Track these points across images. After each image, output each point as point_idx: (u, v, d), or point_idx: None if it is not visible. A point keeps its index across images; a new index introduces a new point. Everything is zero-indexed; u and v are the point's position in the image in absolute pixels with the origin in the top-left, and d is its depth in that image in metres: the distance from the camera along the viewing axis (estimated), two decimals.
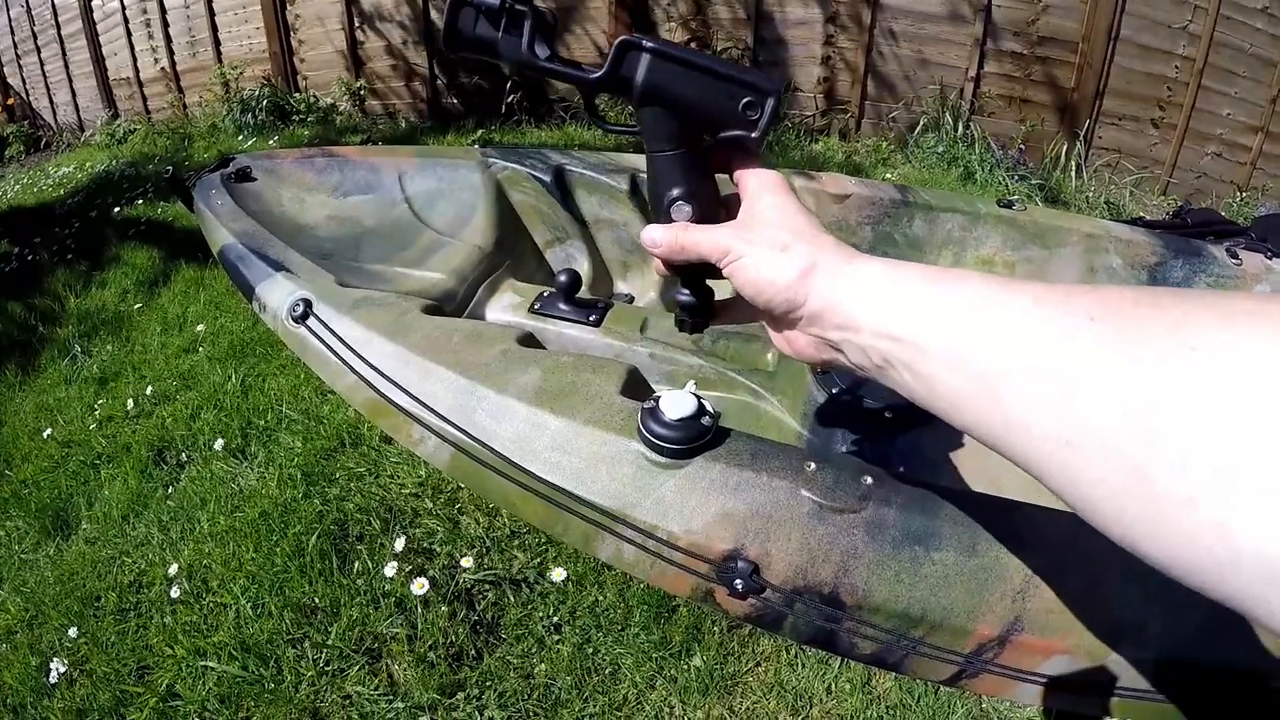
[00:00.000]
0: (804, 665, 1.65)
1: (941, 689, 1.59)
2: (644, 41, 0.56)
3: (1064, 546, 0.69)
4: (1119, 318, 0.34)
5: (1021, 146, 4.44)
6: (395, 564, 1.79)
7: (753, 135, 0.57)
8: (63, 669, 1.74)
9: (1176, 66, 4.24)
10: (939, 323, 0.42)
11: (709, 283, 0.65)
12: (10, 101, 8.24)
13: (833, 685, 1.62)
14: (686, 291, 0.65)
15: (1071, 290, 0.37)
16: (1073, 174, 4.37)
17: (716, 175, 0.63)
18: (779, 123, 4.84)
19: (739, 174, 0.60)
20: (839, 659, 1.63)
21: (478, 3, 0.58)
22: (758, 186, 0.58)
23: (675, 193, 0.59)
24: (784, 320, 0.54)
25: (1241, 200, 4.30)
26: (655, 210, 0.61)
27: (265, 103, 5.68)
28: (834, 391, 1.16)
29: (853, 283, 0.49)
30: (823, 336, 0.51)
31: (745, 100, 0.56)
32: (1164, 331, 0.31)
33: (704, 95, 0.56)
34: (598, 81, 0.58)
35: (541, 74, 0.60)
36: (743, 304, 0.59)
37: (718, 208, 0.61)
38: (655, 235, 0.59)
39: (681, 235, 0.58)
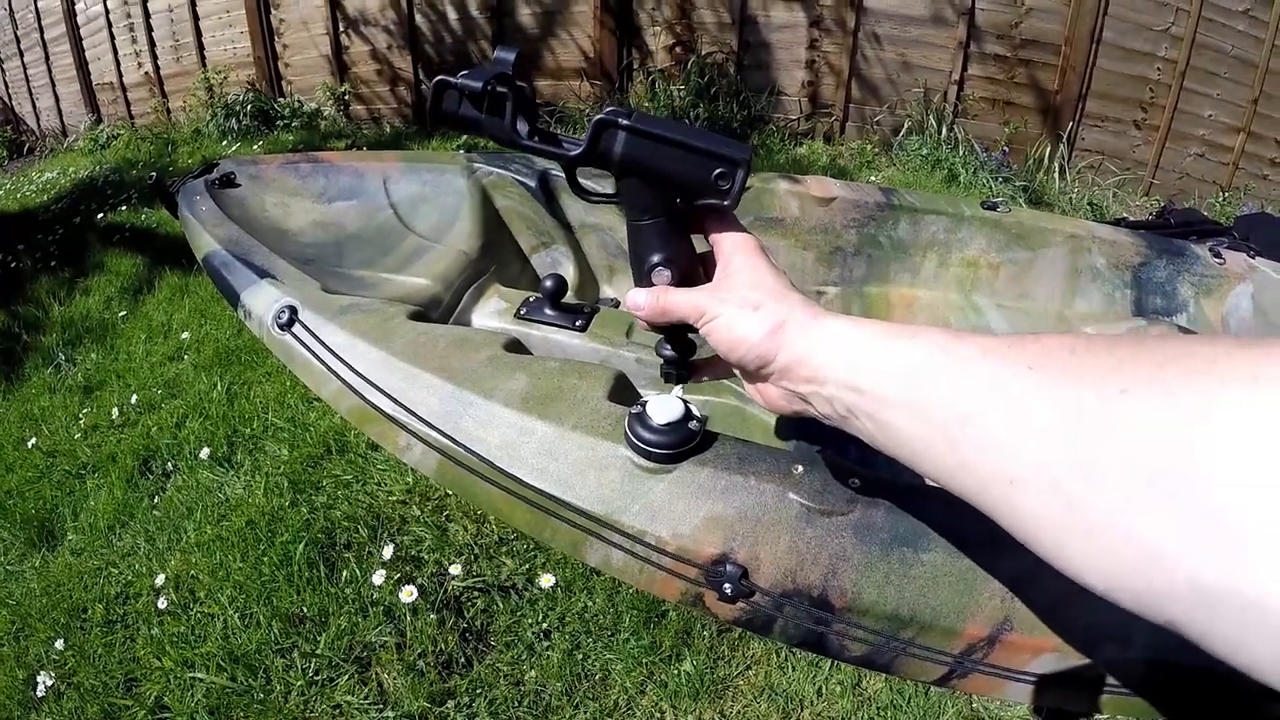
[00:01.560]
0: (794, 668, 1.65)
1: (932, 689, 1.60)
2: (620, 119, 0.59)
3: None
4: (1057, 365, 0.36)
5: (1005, 149, 4.46)
6: (383, 572, 1.78)
7: (725, 203, 0.60)
8: (50, 682, 1.72)
9: (1158, 69, 4.28)
10: (896, 375, 0.45)
11: (691, 336, 0.68)
12: None
13: (823, 687, 1.62)
14: (670, 347, 0.69)
15: (1016, 341, 0.40)
16: (1056, 176, 4.40)
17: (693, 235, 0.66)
18: (762, 125, 4.85)
19: (714, 236, 0.63)
20: (829, 661, 1.63)
21: (461, 85, 0.60)
22: (731, 248, 0.61)
23: (655, 259, 0.62)
24: (756, 374, 0.57)
25: (1224, 200, 4.34)
26: (637, 274, 0.64)
27: (249, 107, 5.66)
28: None
29: (818, 339, 0.52)
30: (792, 389, 0.55)
31: (717, 171, 0.59)
32: (1097, 376, 0.34)
33: (678, 168, 0.59)
34: (577, 158, 0.61)
35: (524, 150, 0.62)
36: (720, 359, 0.62)
37: (696, 268, 0.65)
38: (638, 300, 0.63)
39: (662, 298, 0.62)
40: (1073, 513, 0.33)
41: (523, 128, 0.61)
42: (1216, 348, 0.30)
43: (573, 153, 0.61)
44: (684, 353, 0.69)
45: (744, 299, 0.57)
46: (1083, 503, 0.32)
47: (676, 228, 0.63)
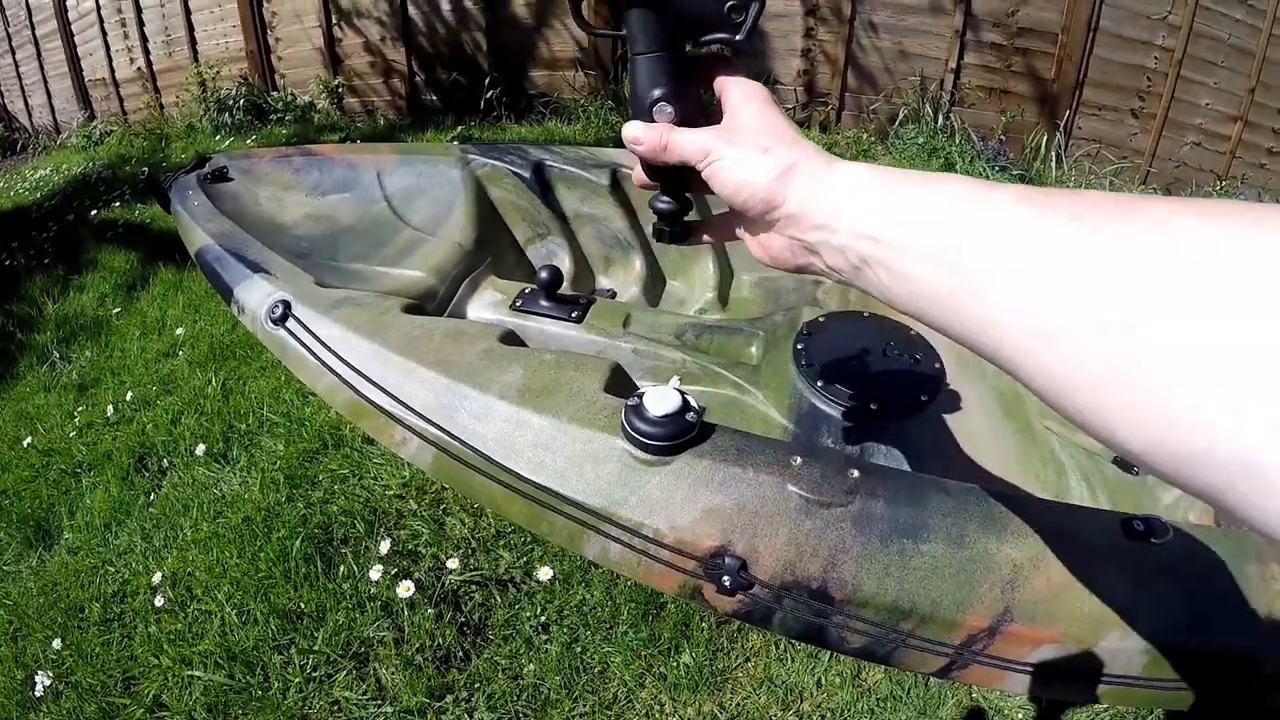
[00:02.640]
0: (793, 660, 1.65)
1: (931, 681, 1.60)
2: None
3: (1051, 536, 0.69)
4: (1099, 216, 0.34)
5: (1002, 137, 4.45)
6: (380, 567, 1.77)
7: (737, 37, 0.57)
8: (48, 682, 1.72)
9: (1156, 57, 4.26)
10: (920, 222, 0.42)
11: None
12: None
13: (823, 679, 1.62)
14: (667, 199, 0.64)
15: (1053, 192, 0.38)
16: (1053, 164, 4.39)
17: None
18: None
19: (721, 83, 0.59)
20: (828, 653, 1.63)
21: None
22: (740, 97, 0.57)
23: (657, 94, 0.59)
24: (761, 222, 0.54)
25: (1221, 189, 4.33)
26: (637, 113, 0.60)
27: (242, 102, 5.64)
28: (818, 385, 1.15)
29: (833, 184, 0.49)
30: (799, 239, 0.52)
31: (730, 3, 0.56)
32: (1144, 228, 0.32)
33: None
34: None
35: None
36: (720, 221, 0.60)
37: (699, 114, 0.61)
38: (638, 132, 0.59)
39: (665, 135, 0.58)
40: (1112, 368, 0.31)
41: None
42: (1268, 207, 0.29)
43: None
44: (682, 205, 0.65)
45: (753, 142, 0.54)
46: (1124, 358, 0.31)
47: (682, 68, 0.59)
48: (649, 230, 0.65)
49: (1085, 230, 0.34)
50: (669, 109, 0.58)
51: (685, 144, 0.57)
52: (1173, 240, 0.30)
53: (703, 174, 0.57)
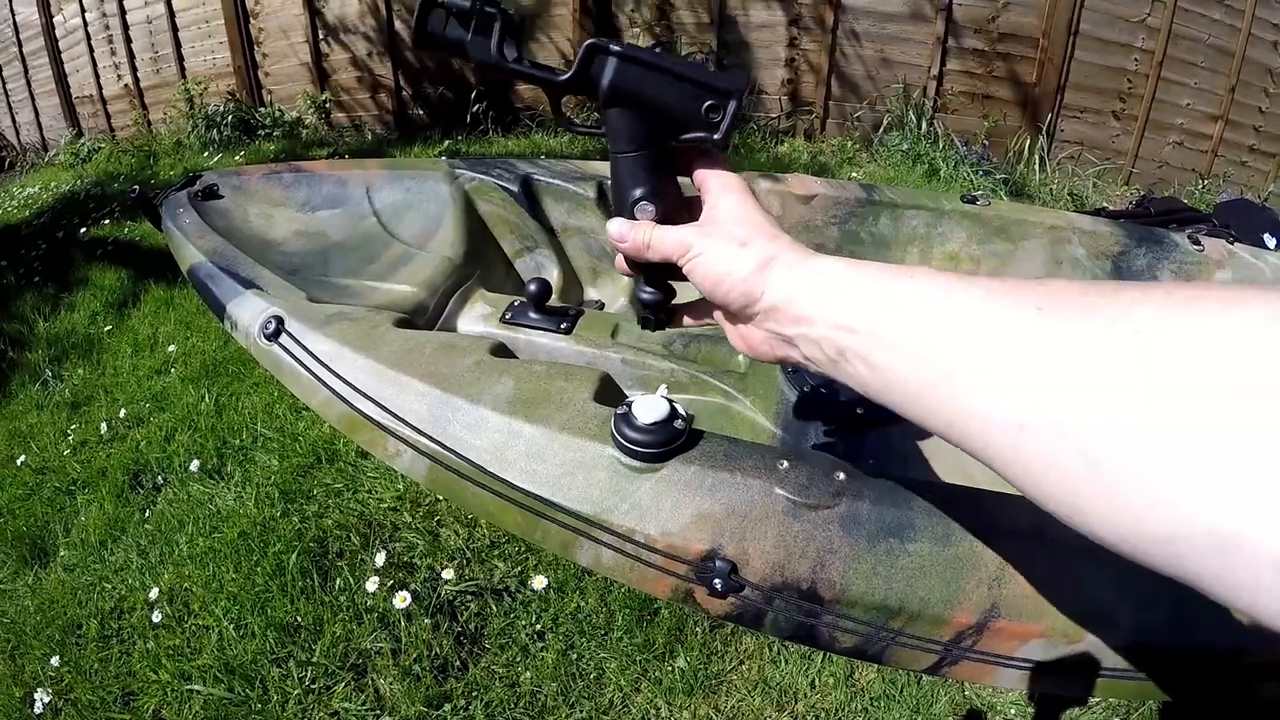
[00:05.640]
0: (787, 661, 1.66)
1: (923, 678, 1.61)
2: (611, 45, 0.57)
3: (1035, 533, 0.70)
4: (1066, 306, 0.35)
5: (985, 142, 4.48)
6: (377, 579, 1.78)
7: (715, 137, 0.59)
8: (47, 699, 1.71)
9: (1136, 59, 4.31)
10: (895, 314, 0.43)
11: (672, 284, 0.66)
12: None
13: (816, 680, 1.63)
14: (650, 290, 0.66)
15: (1021, 283, 0.39)
16: (1036, 167, 4.43)
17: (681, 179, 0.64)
18: (743, 125, 4.86)
19: (701, 175, 0.61)
20: (822, 654, 1.64)
21: (449, 4, 0.59)
22: (719, 188, 0.59)
23: (639, 193, 0.60)
24: (740, 315, 0.55)
25: (1203, 188, 4.37)
26: (619, 211, 0.63)
27: (230, 118, 5.63)
28: (805, 390, 1.17)
29: (809, 277, 0.50)
30: (778, 331, 0.53)
31: (708, 103, 0.58)
32: (1109, 318, 0.32)
33: (668, 97, 0.58)
34: (565, 83, 0.60)
35: (510, 75, 0.60)
36: (704, 304, 0.61)
37: (680, 208, 0.62)
38: (622, 230, 0.61)
39: (646, 233, 0.59)
40: (1084, 459, 0.31)
41: (510, 51, 0.59)
42: (1229, 290, 0.30)
43: (561, 78, 0.60)
44: (665, 295, 0.67)
45: (731, 234, 0.55)
46: (1095, 448, 0.31)
47: (663, 164, 0.61)
48: None
49: (1053, 323, 0.35)
50: (650, 207, 0.60)
51: (667, 241, 0.58)
52: (1138, 330, 0.31)
53: (684, 269, 0.58)
